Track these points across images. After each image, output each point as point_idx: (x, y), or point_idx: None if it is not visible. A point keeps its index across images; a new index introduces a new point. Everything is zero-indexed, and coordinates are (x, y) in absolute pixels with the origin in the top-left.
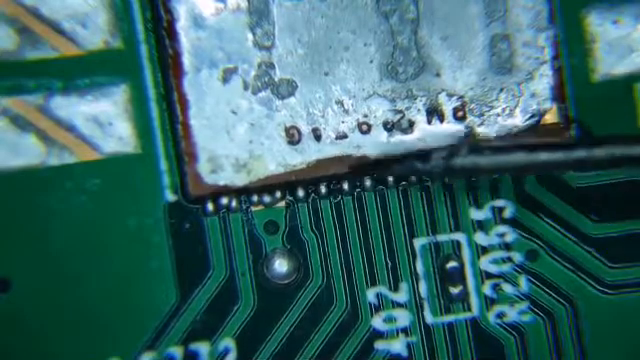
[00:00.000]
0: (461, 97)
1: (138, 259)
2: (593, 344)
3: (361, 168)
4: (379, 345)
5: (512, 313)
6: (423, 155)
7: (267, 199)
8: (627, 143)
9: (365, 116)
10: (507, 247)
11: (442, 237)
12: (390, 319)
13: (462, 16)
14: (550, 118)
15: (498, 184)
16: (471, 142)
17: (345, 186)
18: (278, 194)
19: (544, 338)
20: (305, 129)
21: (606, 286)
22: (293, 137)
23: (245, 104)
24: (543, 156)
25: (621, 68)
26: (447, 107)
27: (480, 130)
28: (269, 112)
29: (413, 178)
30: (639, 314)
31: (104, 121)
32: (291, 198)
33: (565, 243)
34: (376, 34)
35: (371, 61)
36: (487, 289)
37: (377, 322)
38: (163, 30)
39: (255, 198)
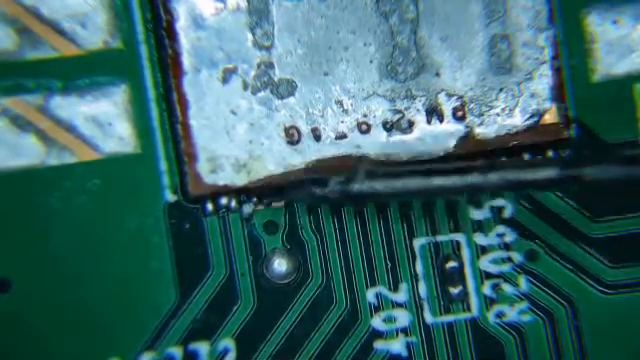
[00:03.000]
0: (461, 97)
1: (138, 259)
2: (593, 344)
3: (264, 193)
4: (379, 345)
5: (512, 313)
6: (320, 180)
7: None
8: (520, 167)
9: (365, 116)
10: (507, 247)
11: (441, 237)
12: (390, 319)
13: (462, 16)
14: (550, 118)
15: None
16: (367, 167)
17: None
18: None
19: (544, 338)
20: (305, 129)
21: (606, 286)
22: (293, 137)
23: (245, 104)
24: (437, 181)
25: (621, 68)
26: (447, 107)
27: (480, 130)
28: (269, 112)
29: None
30: (639, 314)
31: (104, 121)
32: None
33: (565, 243)
34: (376, 34)
35: (371, 61)
36: (487, 289)
37: (377, 322)
38: (163, 30)
39: (255, 198)
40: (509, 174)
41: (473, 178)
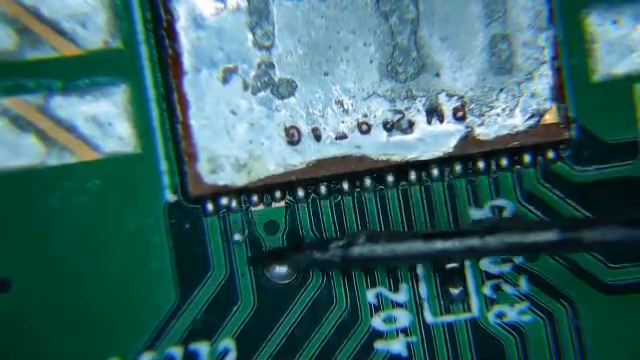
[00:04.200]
0: (461, 97)
1: (138, 259)
2: (593, 344)
3: (261, 259)
4: (379, 345)
5: (512, 313)
6: (321, 245)
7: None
8: (520, 231)
9: (365, 116)
10: None
11: None
12: (390, 319)
13: (462, 16)
14: (550, 118)
15: (498, 183)
16: (367, 231)
17: (345, 186)
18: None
19: (544, 338)
20: (305, 129)
21: (606, 286)
22: (293, 137)
23: (245, 104)
24: (439, 245)
25: (621, 68)
26: (447, 107)
27: (480, 130)
28: (269, 112)
29: (413, 176)
30: (639, 314)
31: (104, 121)
32: (291, 198)
33: None
34: (376, 34)
35: (371, 61)
36: (487, 289)
37: (377, 322)
38: (163, 30)
39: (255, 198)
40: (508, 237)
41: (473, 242)
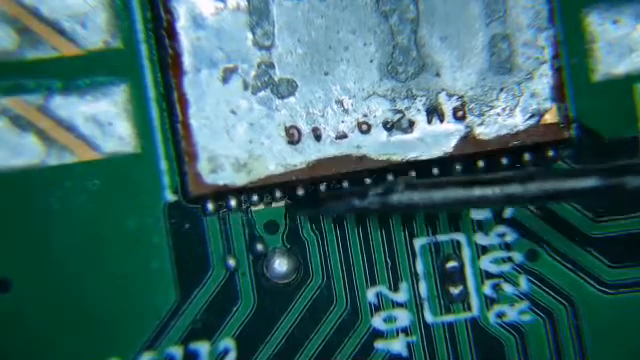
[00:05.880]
0: (461, 97)
1: (138, 259)
2: (593, 344)
3: (297, 204)
4: (379, 345)
5: (512, 313)
6: (360, 192)
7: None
8: (560, 177)
9: (365, 116)
10: (507, 247)
11: (442, 237)
12: (390, 319)
13: (462, 16)
14: (550, 118)
15: None
16: (406, 179)
17: (345, 186)
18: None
19: (544, 338)
20: (305, 129)
21: (606, 286)
22: (293, 137)
23: (245, 104)
24: (477, 192)
25: (621, 68)
26: (447, 107)
27: (480, 130)
28: (269, 112)
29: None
30: (639, 314)
31: (104, 121)
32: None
33: (565, 243)
34: (376, 34)
35: (371, 61)
36: (487, 289)
37: (377, 322)
38: (163, 30)
39: (255, 198)
40: (548, 184)
41: (513, 188)
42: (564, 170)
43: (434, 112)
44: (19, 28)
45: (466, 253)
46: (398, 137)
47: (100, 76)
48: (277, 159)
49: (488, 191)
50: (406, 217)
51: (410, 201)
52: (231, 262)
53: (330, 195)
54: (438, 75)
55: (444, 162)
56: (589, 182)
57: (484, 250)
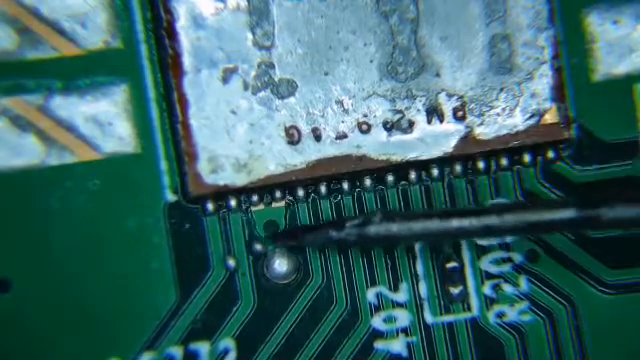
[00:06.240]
0: (461, 97)
1: (138, 259)
2: (593, 344)
3: (276, 236)
4: (379, 345)
5: (512, 313)
6: (337, 224)
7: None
8: (537, 209)
9: (365, 116)
10: (507, 247)
11: None
12: (390, 319)
13: (462, 16)
14: (550, 118)
15: (498, 183)
16: (384, 210)
17: (345, 186)
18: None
19: (544, 338)
20: (305, 129)
21: (606, 286)
22: (293, 137)
23: (245, 104)
24: (455, 223)
25: (621, 68)
26: (447, 107)
27: (480, 130)
28: (269, 112)
29: (413, 176)
30: (639, 314)
31: (104, 121)
32: (291, 198)
33: (565, 243)
34: (376, 34)
35: (371, 61)
36: (487, 289)
37: (377, 322)
38: (163, 30)
39: (255, 198)
40: (525, 216)
41: (490, 220)
42: (541, 202)
43: (434, 112)
44: (19, 28)
45: (466, 253)
46: (398, 137)
47: (100, 76)
48: (277, 159)
49: (465, 222)
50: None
51: (388, 232)
52: (231, 262)
53: (308, 228)
54: (438, 75)
55: (444, 162)
56: (566, 214)
57: (484, 250)
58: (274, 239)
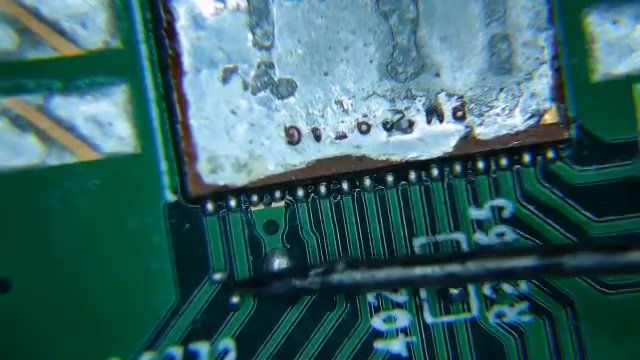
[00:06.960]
0: (461, 97)
1: (138, 259)
2: (593, 344)
3: (240, 284)
4: (379, 345)
5: (512, 313)
6: (300, 272)
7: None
8: (499, 256)
9: (365, 116)
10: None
11: (441, 237)
12: (390, 319)
13: (462, 16)
14: (550, 118)
15: (498, 183)
16: (348, 258)
17: (345, 186)
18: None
19: (544, 338)
20: (305, 129)
21: (606, 286)
22: (293, 137)
23: (245, 104)
24: (418, 271)
25: (621, 68)
26: (447, 107)
27: (480, 130)
28: (269, 112)
29: (409, 181)
30: (639, 314)
31: (104, 121)
32: (291, 198)
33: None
34: (376, 34)
35: (371, 61)
36: (487, 289)
37: (377, 322)
38: (163, 30)
39: (255, 198)
40: (488, 263)
41: (453, 267)
42: (504, 249)
43: (434, 112)
44: (19, 28)
45: None
46: (398, 137)
47: (100, 76)
48: (277, 159)
49: (428, 270)
50: (406, 216)
51: (351, 281)
52: (218, 275)
53: (272, 276)
54: (438, 75)
55: (444, 162)
56: (528, 261)
57: None
58: (236, 286)
